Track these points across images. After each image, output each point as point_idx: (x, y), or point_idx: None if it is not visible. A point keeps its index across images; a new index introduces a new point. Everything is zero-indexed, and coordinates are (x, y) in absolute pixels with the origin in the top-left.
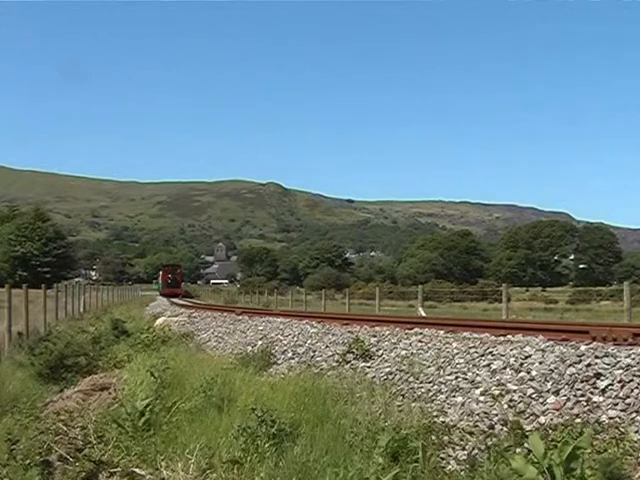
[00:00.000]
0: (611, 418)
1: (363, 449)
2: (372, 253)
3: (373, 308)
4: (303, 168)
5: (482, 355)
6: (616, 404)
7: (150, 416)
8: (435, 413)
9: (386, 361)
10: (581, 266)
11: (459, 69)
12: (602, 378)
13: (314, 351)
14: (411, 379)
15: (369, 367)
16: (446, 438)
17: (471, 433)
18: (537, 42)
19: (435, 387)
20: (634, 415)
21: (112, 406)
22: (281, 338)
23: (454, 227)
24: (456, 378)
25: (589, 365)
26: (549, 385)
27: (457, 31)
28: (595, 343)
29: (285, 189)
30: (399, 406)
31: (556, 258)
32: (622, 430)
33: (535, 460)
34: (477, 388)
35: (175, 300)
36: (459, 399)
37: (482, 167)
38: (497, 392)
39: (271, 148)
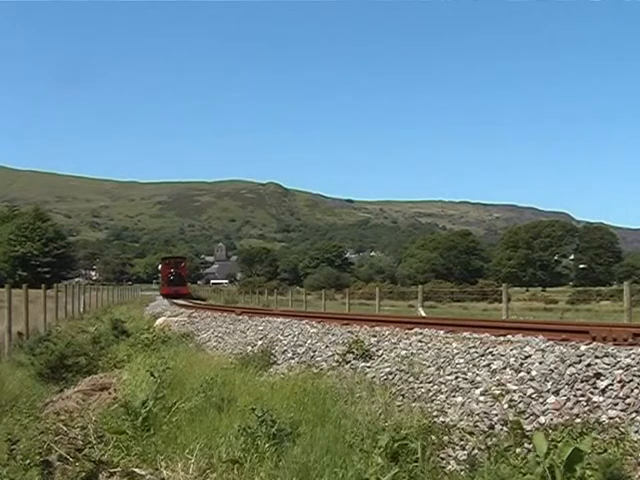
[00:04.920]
0: (611, 418)
1: (363, 449)
2: (372, 253)
3: (373, 308)
4: (303, 168)
5: (482, 355)
6: (616, 404)
7: (150, 416)
8: (435, 413)
9: (386, 361)
10: (581, 266)
11: (459, 69)
12: (602, 378)
13: (314, 351)
14: (411, 379)
15: (369, 367)
16: (446, 438)
17: (471, 433)
18: (537, 42)
19: (435, 387)
20: (634, 415)
21: (112, 406)
22: (281, 338)
23: (454, 227)
24: (456, 378)
25: (589, 365)
26: (549, 385)
27: (457, 31)
28: (595, 343)
29: (285, 189)
30: (399, 406)
31: (556, 258)
32: (622, 430)
33: (537, 460)
34: (477, 388)
35: (176, 300)
36: (459, 399)
37: (482, 167)
38: (497, 392)
39: (271, 148)
